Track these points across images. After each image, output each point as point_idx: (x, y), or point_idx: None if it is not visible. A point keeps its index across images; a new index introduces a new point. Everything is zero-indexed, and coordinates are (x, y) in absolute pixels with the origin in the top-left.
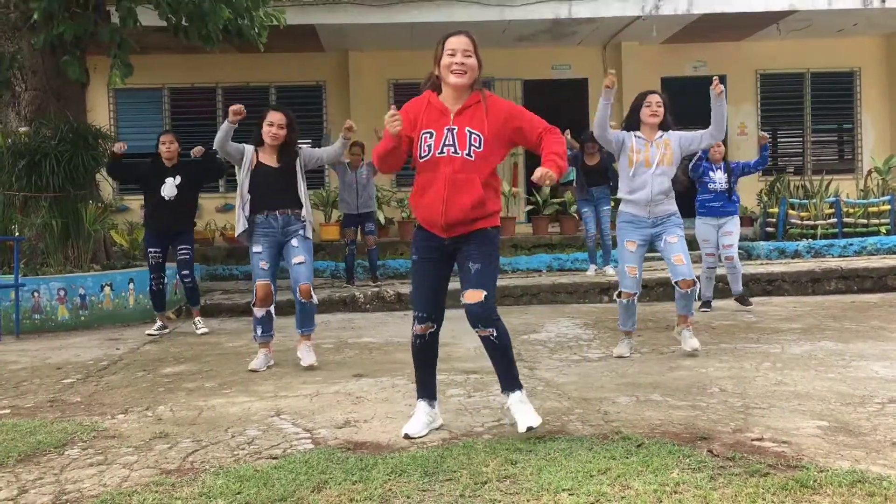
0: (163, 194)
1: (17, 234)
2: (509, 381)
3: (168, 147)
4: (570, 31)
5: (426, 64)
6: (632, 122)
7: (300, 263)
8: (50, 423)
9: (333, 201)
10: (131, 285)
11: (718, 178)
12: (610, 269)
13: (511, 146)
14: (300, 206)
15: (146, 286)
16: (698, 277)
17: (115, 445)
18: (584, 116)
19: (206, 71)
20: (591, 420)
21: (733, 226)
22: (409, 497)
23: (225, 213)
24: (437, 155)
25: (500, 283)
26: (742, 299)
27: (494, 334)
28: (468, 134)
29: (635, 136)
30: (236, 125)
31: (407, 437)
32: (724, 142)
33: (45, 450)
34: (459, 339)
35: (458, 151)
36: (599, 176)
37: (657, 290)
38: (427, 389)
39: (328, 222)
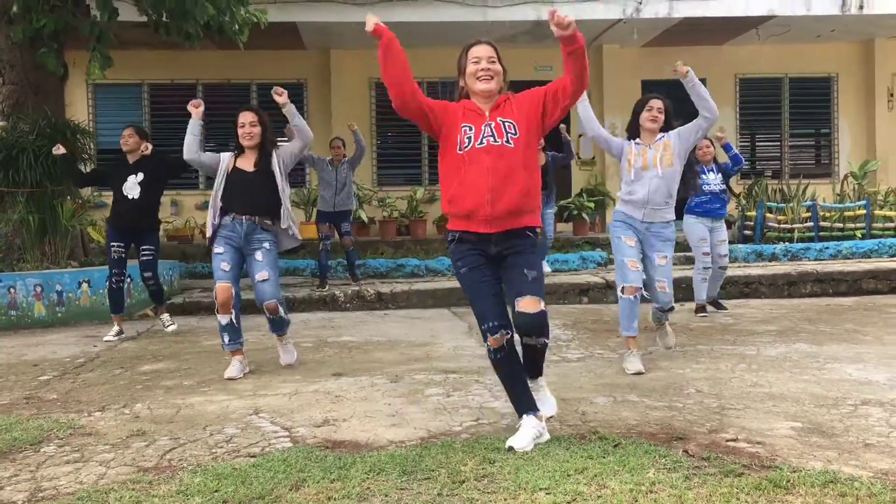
0: (125, 193)
1: None
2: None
3: (126, 141)
4: (551, 33)
5: (410, 63)
6: (633, 129)
7: (264, 281)
8: (26, 420)
9: (314, 199)
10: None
11: (712, 179)
12: (546, 267)
13: (540, 133)
14: (270, 216)
15: None
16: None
17: (92, 443)
18: (566, 118)
19: (187, 68)
20: (568, 420)
21: (725, 231)
22: (387, 496)
23: (204, 211)
24: (478, 146)
25: None
26: (718, 304)
27: (542, 343)
28: (502, 123)
29: (635, 143)
30: (201, 121)
31: (511, 449)
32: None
33: (20, 447)
34: (438, 338)
35: (498, 140)
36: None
37: None
38: (527, 402)
39: (308, 221)
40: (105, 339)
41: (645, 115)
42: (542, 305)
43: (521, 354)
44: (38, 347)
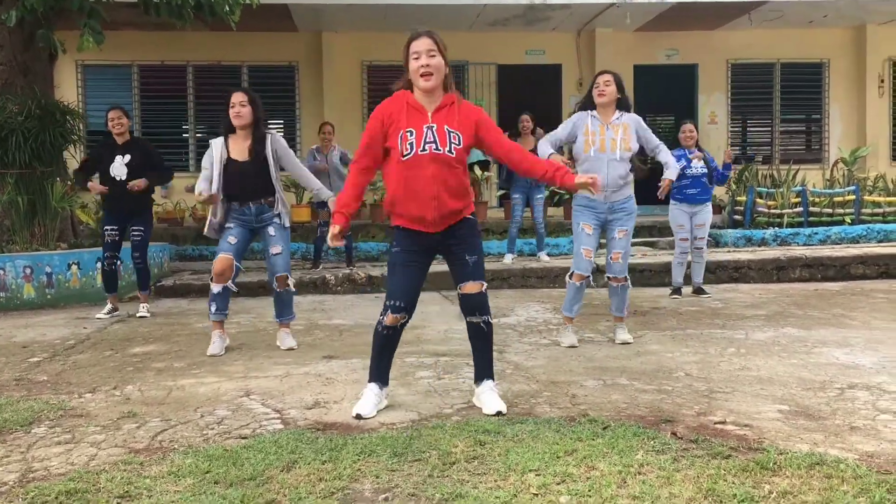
0: (112, 174)
1: None
2: (486, 370)
3: (117, 122)
4: (543, 17)
5: (400, 46)
6: (587, 105)
7: (277, 254)
8: (16, 401)
9: None
10: (99, 264)
11: (694, 163)
12: (545, 256)
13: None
14: (272, 193)
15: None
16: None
17: (83, 424)
18: (558, 102)
19: (177, 49)
20: (558, 403)
21: (707, 215)
22: (377, 477)
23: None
24: (420, 153)
25: None
26: (700, 290)
27: (486, 321)
28: (447, 132)
29: (591, 115)
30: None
31: (359, 417)
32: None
33: (11, 428)
34: (429, 321)
35: (440, 148)
36: None
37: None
38: (382, 375)
39: (299, 203)
40: (97, 316)
41: (594, 90)
42: (483, 287)
43: (470, 338)
44: (27, 329)
